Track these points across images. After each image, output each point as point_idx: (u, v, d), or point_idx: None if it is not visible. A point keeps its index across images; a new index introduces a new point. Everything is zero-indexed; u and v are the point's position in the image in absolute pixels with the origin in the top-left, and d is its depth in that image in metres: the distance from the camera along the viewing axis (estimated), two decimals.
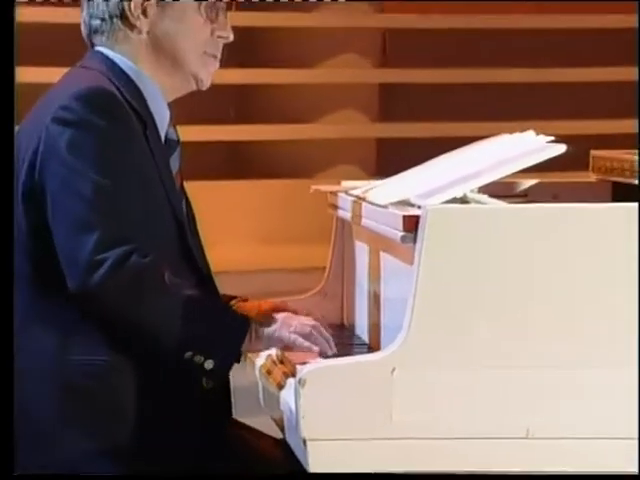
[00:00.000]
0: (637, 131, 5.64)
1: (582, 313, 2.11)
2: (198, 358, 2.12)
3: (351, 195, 2.61)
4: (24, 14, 3.96)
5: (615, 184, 2.80)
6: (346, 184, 2.80)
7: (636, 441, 2.16)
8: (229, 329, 2.21)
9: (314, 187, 3.02)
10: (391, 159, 4.49)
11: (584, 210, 2.21)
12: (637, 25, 6.09)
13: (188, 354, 2.13)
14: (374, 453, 2.07)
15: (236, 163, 6.04)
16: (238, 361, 2.24)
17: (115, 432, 2.24)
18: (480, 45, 6.03)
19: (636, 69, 6.14)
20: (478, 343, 2.09)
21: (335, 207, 2.76)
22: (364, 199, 2.47)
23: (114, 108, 2.20)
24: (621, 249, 2.14)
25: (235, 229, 4.66)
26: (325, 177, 5.07)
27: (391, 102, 6.08)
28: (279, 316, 2.28)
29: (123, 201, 2.17)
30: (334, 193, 2.79)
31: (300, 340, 2.21)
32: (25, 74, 3.80)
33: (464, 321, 2.09)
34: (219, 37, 2.30)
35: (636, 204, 2.27)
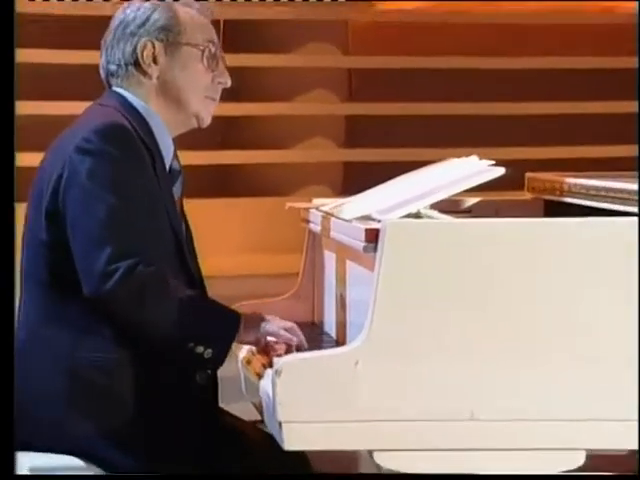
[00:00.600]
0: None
1: (519, 311, 2.09)
2: (199, 348, 2.15)
3: (321, 211, 2.61)
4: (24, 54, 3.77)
5: (547, 202, 2.83)
6: (317, 201, 2.82)
7: (574, 422, 2.09)
8: (224, 323, 2.24)
9: (289, 204, 3.05)
10: (355, 180, 4.46)
11: (520, 224, 2.23)
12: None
13: (190, 345, 2.16)
14: (340, 434, 2.08)
15: (223, 184, 6.07)
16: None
17: (119, 418, 2.24)
18: (434, 82, 6.06)
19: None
20: (427, 338, 2.11)
21: (307, 221, 2.77)
22: (332, 214, 2.48)
23: (127, 141, 2.24)
24: (553, 258, 2.15)
25: (223, 241, 4.62)
26: (299, 195, 5.01)
27: (356, 131, 6.09)
28: (267, 315, 2.32)
29: (132, 221, 2.20)
30: (306, 209, 2.80)
31: (283, 332, 2.23)
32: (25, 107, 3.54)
33: (415, 320, 2.10)
34: (219, 83, 2.34)
35: (567, 219, 2.29)
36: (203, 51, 2.33)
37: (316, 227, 2.65)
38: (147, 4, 2.37)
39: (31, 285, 2.29)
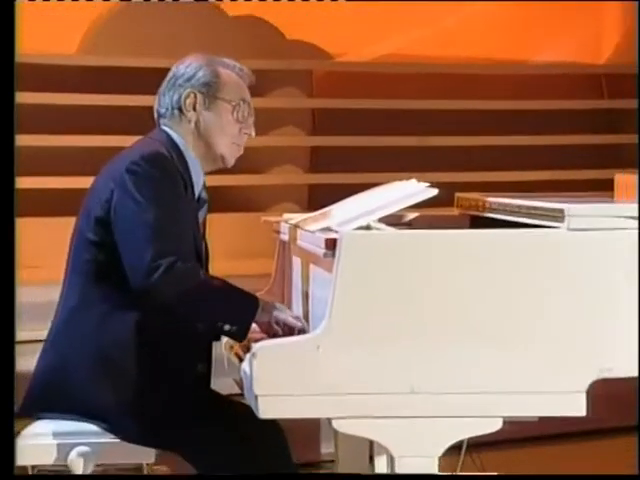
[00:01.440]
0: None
1: (449, 304, 2.03)
2: (226, 326, 2.21)
3: (289, 224, 2.60)
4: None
5: (472, 217, 2.84)
6: (286, 216, 2.80)
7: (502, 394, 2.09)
8: (246, 306, 2.28)
9: (264, 218, 3.09)
10: (318, 199, 4.45)
11: (449, 234, 2.24)
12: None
13: (220, 324, 2.21)
14: (304, 404, 2.06)
15: (212, 202, 6.05)
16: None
17: (132, 391, 2.24)
18: (385, 119, 5.99)
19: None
20: (375, 327, 2.10)
21: (278, 232, 2.75)
22: (298, 226, 2.45)
23: (166, 167, 2.28)
24: (475, 261, 2.13)
25: (212, 248, 4.53)
26: (272, 211, 4.99)
27: (319, 159, 6.03)
28: (278, 304, 2.39)
29: (170, 227, 2.24)
30: (278, 222, 2.79)
31: (291, 319, 2.27)
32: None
33: (365, 312, 2.06)
34: (245, 133, 2.37)
35: (488, 230, 2.30)
36: (235, 107, 2.37)
37: (285, 237, 2.61)
38: (195, 63, 2.41)
39: (74, 277, 2.33)
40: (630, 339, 2.24)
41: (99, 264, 2.31)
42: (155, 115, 2.38)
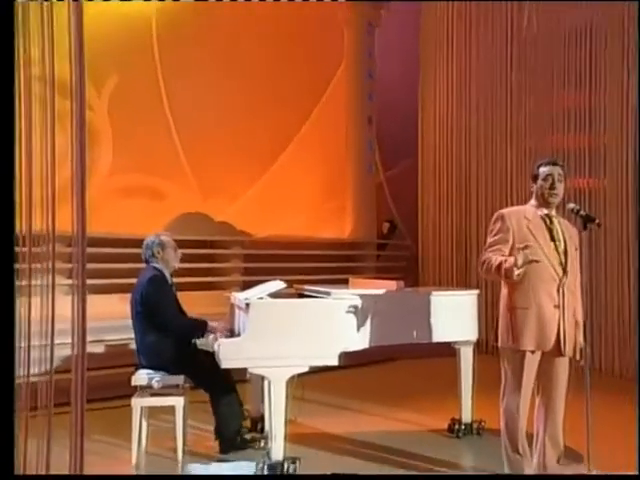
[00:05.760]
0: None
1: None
2: (198, 334, 3.96)
3: (234, 296, 4.09)
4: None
5: (299, 294, 4.32)
6: (233, 293, 4.27)
7: None
8: (203, 324, 3.98)
9: (225, 294, 4.58)
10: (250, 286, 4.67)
11: (288, 301, 3.67)
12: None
13: (198, 332, 3.93)
14: (237, 362, 3.55)
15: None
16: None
17: (177, 357, 3.97)
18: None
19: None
20: (265, 336, 3.46)
21: (229, 299, 4.29)
22: (236, 296, 3.98)
23: (162, 280, 3.98)
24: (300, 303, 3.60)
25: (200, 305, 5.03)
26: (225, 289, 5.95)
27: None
28: (217, 323, 3.97)
29: (172, 304, 3.96)
30: (229, 295, 4.31)
31: (220, 327, 3.95)
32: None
33: (260, 330, 3.45)
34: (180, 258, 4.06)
35: (306, 300, 3.75)
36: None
37: (232, 300, 4.18)
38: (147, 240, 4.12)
39: (139, 322, 4.03)
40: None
41: (149, 317, 3.96)
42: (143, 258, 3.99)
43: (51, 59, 2.42)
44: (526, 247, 3.13)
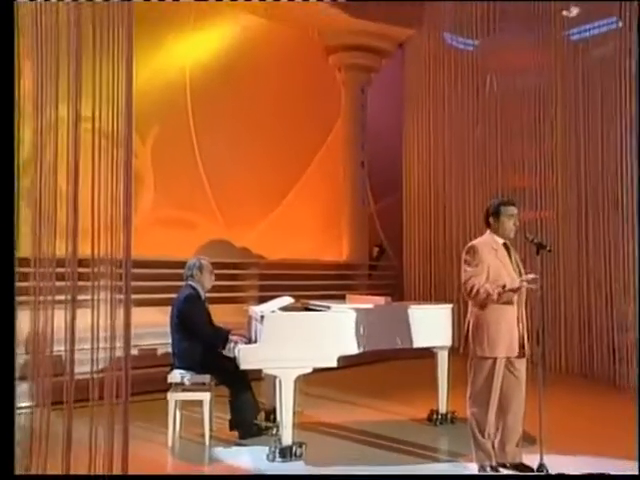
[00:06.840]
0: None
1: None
2: (222, 341, 3.83)
3: (251, 309, 4.04)
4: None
5: (305, 307, 4.20)
6: (251, 306, 4.20)
7: None
8: (226, 333, 3.89)
9: (244, 307, 4.48)
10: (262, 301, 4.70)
11: (295, 313, 3.66)
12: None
13: (222, 340, 3.79)
14: (255, 364, 3.47)
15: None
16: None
17: (206, 360, 3.90)
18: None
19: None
20: (278, 347, 3.38)
21: (247, 311, 4.19)
22: (254, 309, 3.91)
23: (195, 298, 3.83)
24: (307, 315, 3.47)
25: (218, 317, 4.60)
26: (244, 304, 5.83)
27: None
28: (237, 331, 3.86)
29: (205, 318, 3.82)
30: (247, 308, 4.23)
31: (237, 337, 3.81)
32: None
33: (274, 337, 3.38)
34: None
35: (307, 312, 3.68)
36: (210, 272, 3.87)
37: (250, 313, 4.09)
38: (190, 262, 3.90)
39: (177, 334, 3.88)
40: None
41: (184, 329, 3.83)
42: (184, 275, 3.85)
43: (106, 115, 2.51)
44: (530, 281, 3.21)
